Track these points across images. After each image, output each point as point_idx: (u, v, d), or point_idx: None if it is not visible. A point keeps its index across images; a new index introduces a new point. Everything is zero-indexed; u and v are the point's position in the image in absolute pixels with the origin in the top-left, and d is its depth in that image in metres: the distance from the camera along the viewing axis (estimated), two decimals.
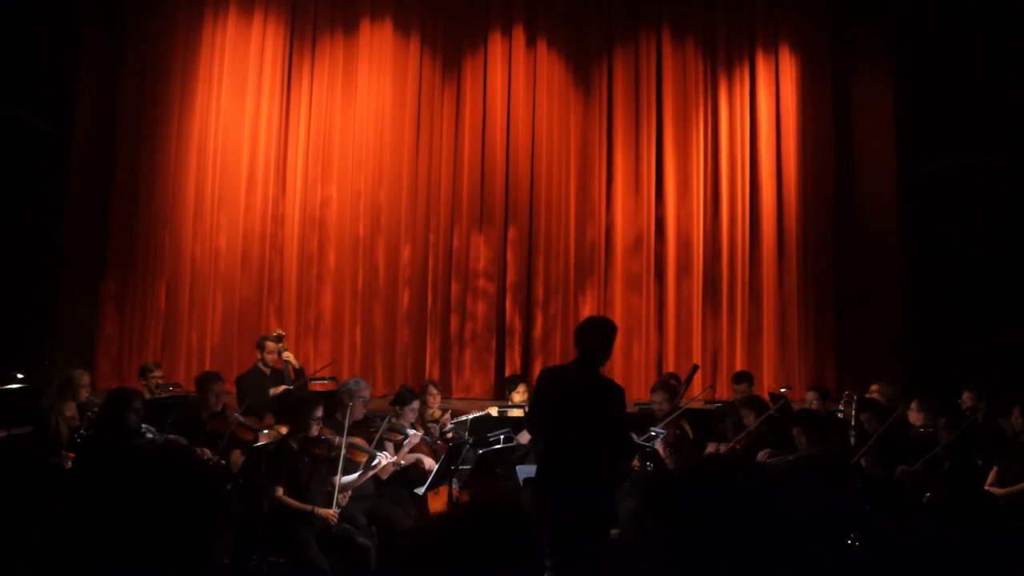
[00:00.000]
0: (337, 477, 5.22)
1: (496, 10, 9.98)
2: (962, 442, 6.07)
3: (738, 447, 6.21)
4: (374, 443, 5.74)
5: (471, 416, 7.36)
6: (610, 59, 10.05)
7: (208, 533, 1.88)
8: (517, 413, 7.27)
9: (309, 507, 5.03)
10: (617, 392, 4.58)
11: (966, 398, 7.25)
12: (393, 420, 6.08)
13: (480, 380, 9.64)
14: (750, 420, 6.40)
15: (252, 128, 9.62)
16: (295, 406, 5.33)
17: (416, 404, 6.43)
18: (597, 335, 4.57)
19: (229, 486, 5.67)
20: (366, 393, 6.17)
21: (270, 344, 7.63)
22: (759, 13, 10.08)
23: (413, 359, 9.58)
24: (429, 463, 6.02)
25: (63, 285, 8.93)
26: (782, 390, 8.40)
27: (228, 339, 9.36)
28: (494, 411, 7.56)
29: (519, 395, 7.80)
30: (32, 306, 8.49)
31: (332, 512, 5.07)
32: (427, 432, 6.59)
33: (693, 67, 10.00)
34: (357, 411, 5.84)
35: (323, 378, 8.26)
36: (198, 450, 5.51)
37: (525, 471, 5.10)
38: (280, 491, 4.97)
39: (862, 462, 6.03)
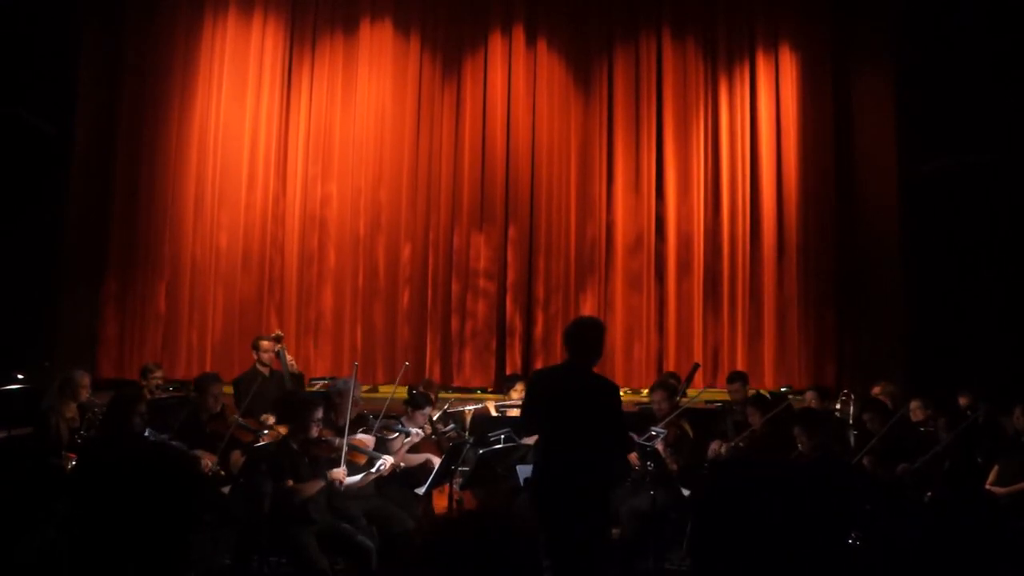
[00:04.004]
0: (341, 471, 5.22)
1: (496, 10, 9.99)
2: (962, 441, 6.07)
3: (741, 445, 6.21)
4: (373, 444, 5.74)
5: (469, 408, 7.38)
6: (610, 59, 10.06)
7: (190, 535, 1.89)
8: (516, 412, 7.26)
9: (320, 482, 5.03)
10: (613, 390, 4.62)
11: (962, 401, 7.24)
12: (386, 419, 6.08)
13: (480, 379, 9.66)
14: (755, 419, 6.40)
15: (252, 127, 9.64)
16: (296, 407, 5.32)
17: (428, 410, 6.43)
18: (591, 337, 4.59)
19: (229, 487, 5.67)
20: (357, 392, 6.18)
21: (265, 343, 7.61)
22: (759, 13, 10.08)
23: (414, 358, 9.58)
24: (437, 462, 6.00)
25: (63, 285, 8.95)
26: (782, 389, 8.41)
27: (229, 338, 9.37)
28: (492, 408, 7.55)
29: (517, 393, 7.79)
30: (32, 306, 8.50)
31: (341, 471, 5.09)
32: (433, 431, 6.59)
33: (693, 67, 10.00)
34: (349, 410, 5.84)
35: (323, 378, 8.26)
36: (200, 458, 5.51)
37: (525, 471, 5.10)
38: (290, 482, 4.97)
39: (864, 461, 6.03)
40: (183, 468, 1.96)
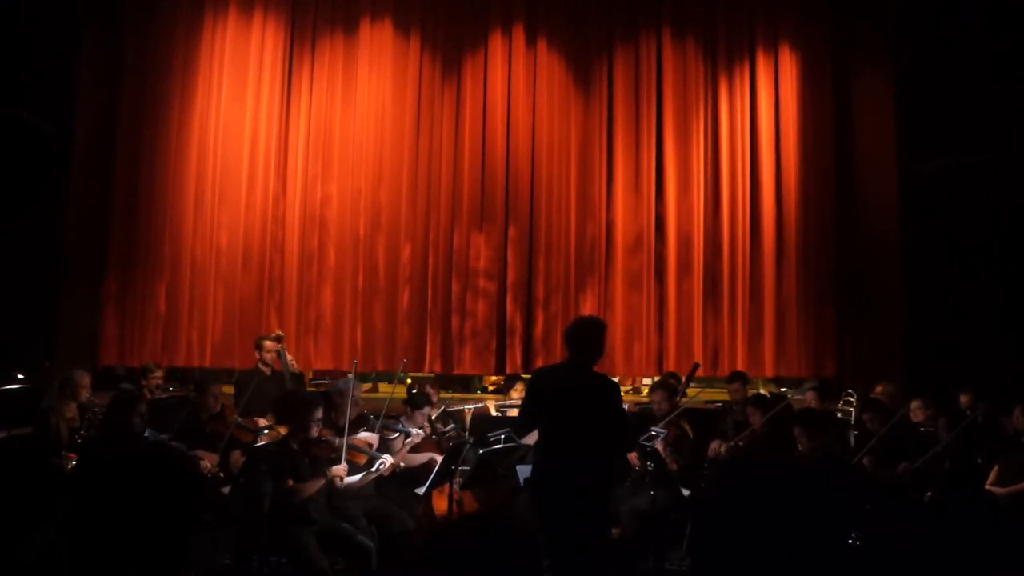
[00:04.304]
0: (342, 468, 5.22)
1: (496, 10, 9.98)
2: (962, 441, 6.07)
3: (741, 445, 6.21)
4: (377, 442, 5.75)
5: (468, 408, 7.38)
6: (610, 58, 10.05)
7: (190, 535, 1.89)
8: (516, 412, 7.27)
9: (321, 480, 5.04)
10: (614, 388, 4.64)
11: (963, 400, 7.24)
12: (387, 419, 6.09)
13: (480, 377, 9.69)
14: (755, 419, 6.40)
15: (252, 127, 9.63)
16: (295, 407, 5.33)
17: (428, 410, 6.44)
18: (591, 336, 4.60)
19: (229, 487, 5.67)
20: (357, 392, 6.18)
21: (268, 344, 7.62)
22: (759, 13, 10.07)
23: (413, 358, 9.59)
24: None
25: (63, 285, 8.95)
26: (782, 389, 8.40)
27: (229, 338, 9.37)
28: (492, 408, 7.55)
29: (517, 393, 7.79)
30: (32, 306, 8.49)
31: (342, 468, 5.10)
32: (433, 431, 6.60)
33: (693, 66, 10.00)
34: (351, 411, 5.84)
35: (323, 378, 8.27)
36: (200, 460, 5.51)
37: (525, 471, 5.10)
38: (291, 482, 4.97)
39: (864, 461, 6.03)
40: (183, 468, 1.96)
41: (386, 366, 9.55)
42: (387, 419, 6.10)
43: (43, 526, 4.61)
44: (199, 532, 5.35)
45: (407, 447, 5.95)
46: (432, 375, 9.29)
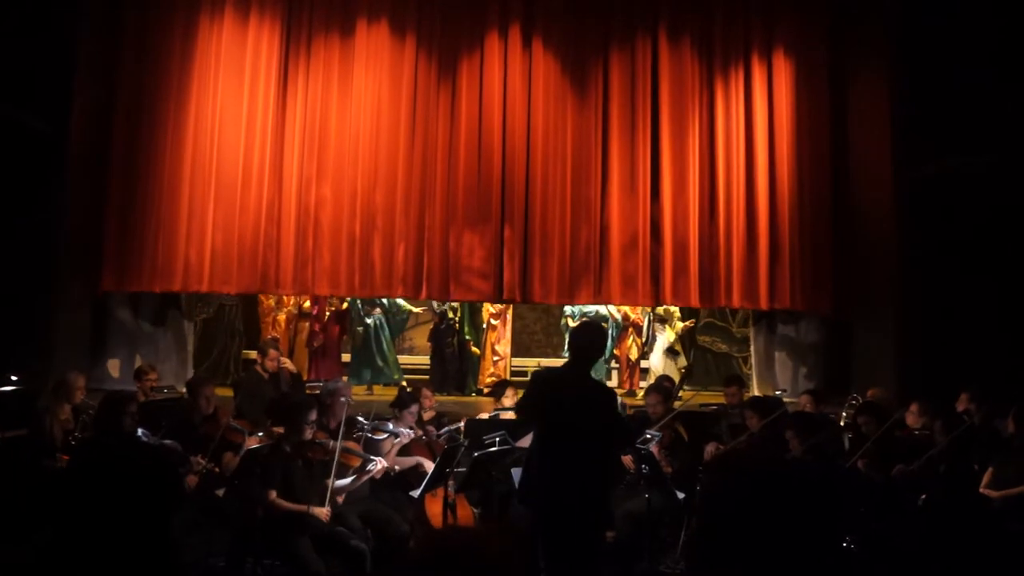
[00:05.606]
0: (331, 480, 5.21)
1: (493, 10, 9.96)
2: (958, 445, 6.07)
3: (739, 448, 6.21)
4: (362, 445, 5.74)
5: (462, 424, 7.37)
6: (606, 60, 10.04)
7: (169, 531, 1.89)
8: (510, 415, 7.24)
9: (304, 507, 5.02)
10: (610, 394, 4.70)
11: (963, 399, 7.24)
12: (376, 421, 6.08)
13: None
14: (753, 422, 6.40)
15: (248, 128, 9.60)
16: (289, 409, 5.31)
17: (415, 408, 6.42)
18: (586, 339, 4.62)
19: (223, 490, 5.66)
20: (347, 393, 6.17)
21: (272, 352, 7.64)
22: (755, 15, 10.06)
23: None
24: (429, 466, 5.99)
25: (58, 286, 8.90)
26: (777, 393, 8.39)
27: None
28: (485, 414, 7.53)
29: (508, 400, 7.76)
30: (28, 307, 8.46)
31: (325, 511, 5.07)
32: (423, 431, 6.58)
33: (689, 69, 9.98)
34: (340, 412, 5.84)
35: (318, 380, 8.26)
36: (192, 458, 5.49)
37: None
38: (273, 494, 4.96)
39: (859, 464, 6.04)
40: (168, 465, 1.96)
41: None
42: (377, 420, 6.09)
43: (38, 527, 4.59)
44: (191, 533, 5.35)
45: (395, 448, 5.94)
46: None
